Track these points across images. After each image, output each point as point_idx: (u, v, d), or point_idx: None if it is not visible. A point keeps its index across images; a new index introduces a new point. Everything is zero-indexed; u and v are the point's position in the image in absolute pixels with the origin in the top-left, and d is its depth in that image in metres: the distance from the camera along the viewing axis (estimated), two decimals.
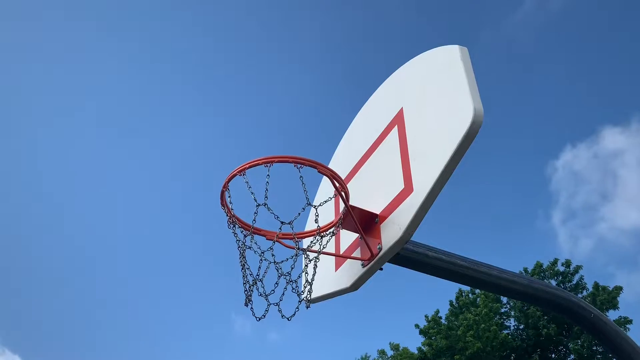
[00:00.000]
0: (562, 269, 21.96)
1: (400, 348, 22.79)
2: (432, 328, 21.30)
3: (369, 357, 26.05)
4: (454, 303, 22.08)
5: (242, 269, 3.09)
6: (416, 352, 21.53)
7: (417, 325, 21.90)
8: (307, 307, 3.02)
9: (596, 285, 20.92)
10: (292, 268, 3.01)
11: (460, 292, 22.16)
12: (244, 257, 3.09)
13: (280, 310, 3.01)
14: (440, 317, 21.61)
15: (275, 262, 3.03)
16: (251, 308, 3.04)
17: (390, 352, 23.73)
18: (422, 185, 2.95)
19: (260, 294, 3.03)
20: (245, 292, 3.04)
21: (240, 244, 3.09)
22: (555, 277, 21.95)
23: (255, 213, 2.96)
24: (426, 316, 21.92)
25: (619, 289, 20.38)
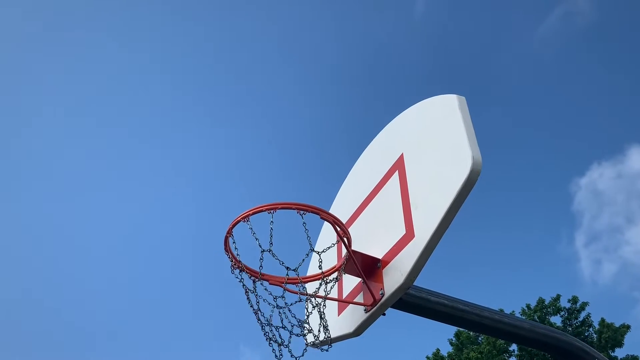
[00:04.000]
0: (567, 305, 21.70)
1: None
2: None
3: None
4: (453, 341, 21.71)
5: (256, 314, 3.14)
6: None
7: None
8: (327, 350, 3.11)
9: (602, 322, 20.69)
10: (300, 318, 3.12)
11: (459, 330, 21.81)
12: (249, 300, 3.14)
13: (290, 351, 3.09)
14: (443, 357, 21.21)
15: (277, 306, 3.10)
16: (273, 350, 3.10)
17: None
18: (423, 232, 3.00)
19: (270, 338, 3.10)
20: (265, 335, 3.11)
21: (245, 289, 3.14)
22: (560, 314, 21.69)
23: (261, 259, 3.02)
24: (427, 357, 21.52)
25: (626, 328, 20.15)
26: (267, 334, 3.11)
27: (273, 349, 3.09)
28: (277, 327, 3.12)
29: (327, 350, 3.21)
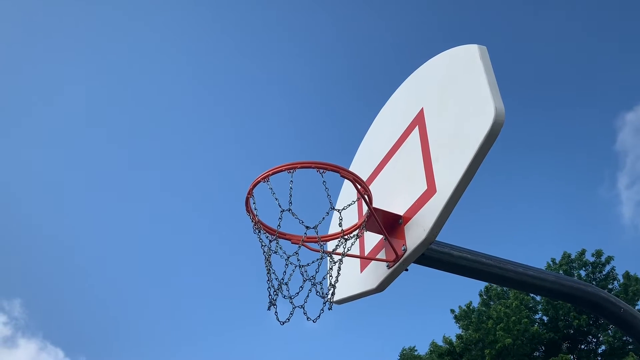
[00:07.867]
0: (591, 259, 21.54)
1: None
2: (463, 318, 21.25)
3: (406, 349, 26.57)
4: (483, 295, 21.95)
5: (268, 273, 3.16)
6: (448, 345, 21.44)
7: (452, 311, 21.92)
8: (330, 309, 3.08)
9: (627, 275, 20.54)
10: (316, 271, 3.08)
11: (489, 284, 22.02)
12: (269, 262, 3.15)
13: (305, 313, 3.08)
14: (473, 309, 21.52)
15: (300, 265, 3.10)
16: (275, 312, 3.11)
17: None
18: (445, 186, 2.96)
19: (285, 296, 3.10)
20: (269, 297, 3.11)
21: (265, 249, 3.15)
22: (585, 268, 21.56)
23: (279, 218, 3.02)
24: (460, 307, 21.94)
25: None
26: (273, 294, 3.08)
27: (275, 311, 3.08)
28: (288, 286, 3.10)
29: (330, 309, 3.17)
